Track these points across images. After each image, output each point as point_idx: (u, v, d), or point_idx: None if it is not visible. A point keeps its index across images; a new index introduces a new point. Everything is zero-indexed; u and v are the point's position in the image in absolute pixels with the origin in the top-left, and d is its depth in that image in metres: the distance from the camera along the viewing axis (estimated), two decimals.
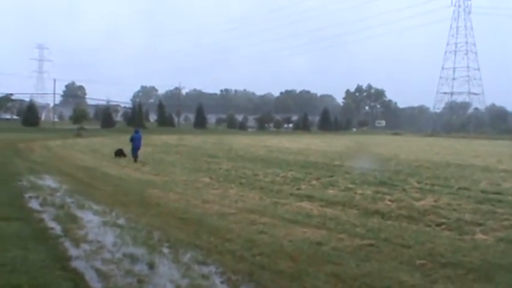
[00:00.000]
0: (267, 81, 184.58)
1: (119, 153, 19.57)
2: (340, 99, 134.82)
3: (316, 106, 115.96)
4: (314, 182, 12.39)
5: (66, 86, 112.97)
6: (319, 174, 14.12)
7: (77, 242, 5.96)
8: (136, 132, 19.20)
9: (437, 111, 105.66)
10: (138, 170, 15.28)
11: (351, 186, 11.69)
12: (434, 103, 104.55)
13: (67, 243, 5.91)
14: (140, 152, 18.81)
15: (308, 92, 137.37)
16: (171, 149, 26.20)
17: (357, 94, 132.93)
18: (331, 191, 10.87)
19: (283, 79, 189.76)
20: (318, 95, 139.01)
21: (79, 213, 7.88)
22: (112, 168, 15.52)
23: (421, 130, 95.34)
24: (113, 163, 17.48)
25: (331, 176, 13.61)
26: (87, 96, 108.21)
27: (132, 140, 18.60)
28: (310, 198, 9.83)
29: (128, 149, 19.13)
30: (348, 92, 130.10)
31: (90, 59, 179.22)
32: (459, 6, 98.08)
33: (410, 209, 8.64)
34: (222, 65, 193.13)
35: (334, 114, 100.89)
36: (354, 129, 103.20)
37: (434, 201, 9.57)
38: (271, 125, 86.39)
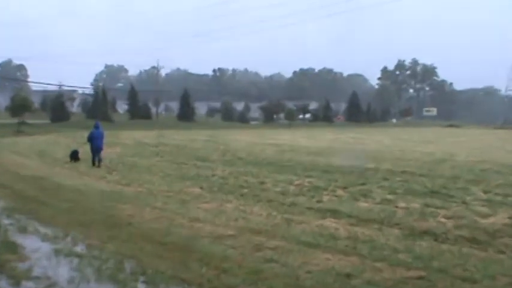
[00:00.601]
0: (275, 57, 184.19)
1: (73, 156, 19.64)
2: (374, 80, 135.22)
3: (342, 90, 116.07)
4: (340, 192, 12.43)
5: (1, 66, 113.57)
6: (347, 181, 14.13)
7: (17, 280, 5.92)
8: (96, 127, 19.22)
9: (511, 93, 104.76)
10: (102, 178, 15.35)
11: (390, 197, 11.69)
12: (506, 84, 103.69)
13: (3, 282, 5.89)
14: (104, 154, 18.84)
15: (330, 70, 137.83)
16: (147, 150, 26.28)
17: (398, 73, 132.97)
18: (363, 204, 10.89)
19: (296, 55, 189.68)
20: (344, 74, 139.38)
21: (20, 239, 7.85)
22: (67, 177, 15.59)
23: (487, 120, 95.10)
24: (68, 170, 17.55)
25: (363, 184, 13.64)
26: (30, 80, 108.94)
27: (90, 138, 18.62)
28: (335, 213, 9.85)
29: (85, 149, 19.15)
30: (384, 70, 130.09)
31: (34, 30, 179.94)
32: None
33: (474, 229, 8.59)
34: (214, 36, 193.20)
35: (367, 101, 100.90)
36: (394, 121, 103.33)
37: (509, 218, 9.50)
38: (282, 116, 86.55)
